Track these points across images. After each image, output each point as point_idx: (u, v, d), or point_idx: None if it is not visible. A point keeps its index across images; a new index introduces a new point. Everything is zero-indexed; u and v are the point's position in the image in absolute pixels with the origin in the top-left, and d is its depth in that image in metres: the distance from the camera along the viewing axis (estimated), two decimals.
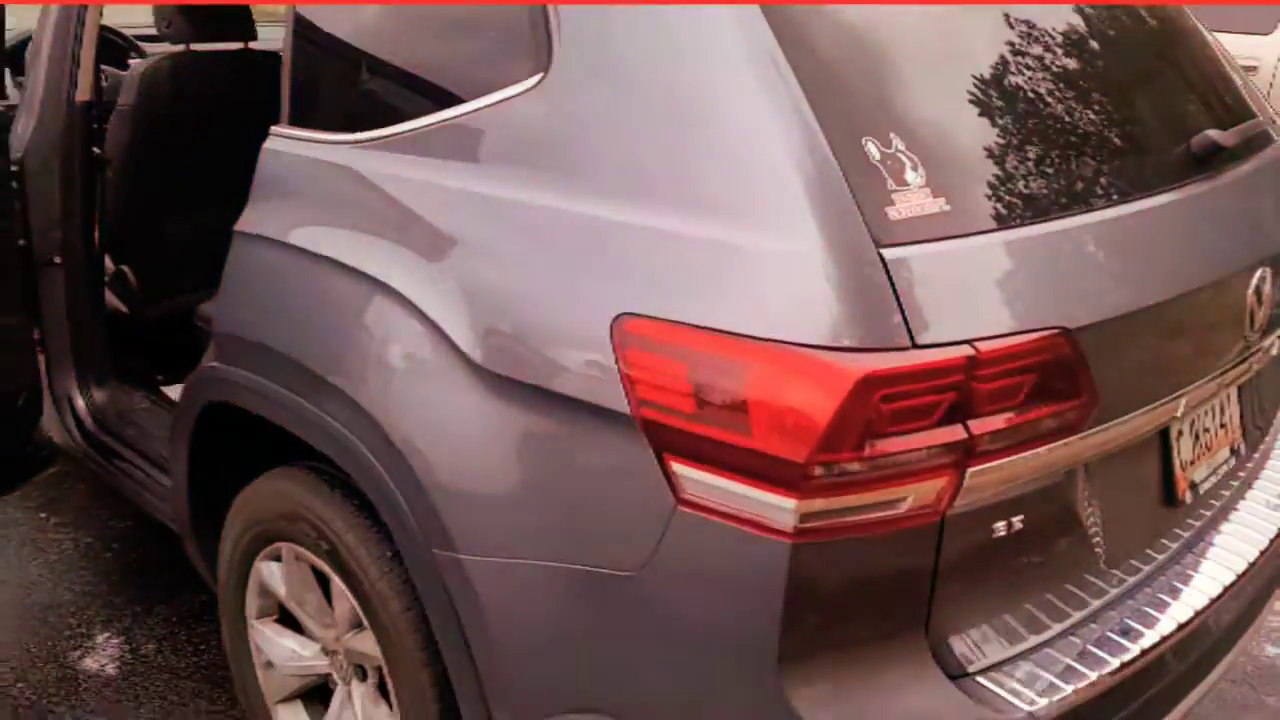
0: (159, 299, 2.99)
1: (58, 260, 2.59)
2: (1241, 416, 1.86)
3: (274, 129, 1.87)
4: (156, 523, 3.03)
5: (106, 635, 2.62)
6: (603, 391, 1.35)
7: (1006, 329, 1.29)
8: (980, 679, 1.40)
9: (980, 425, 1.28)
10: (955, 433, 1.27)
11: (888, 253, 1.25)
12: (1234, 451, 1.84)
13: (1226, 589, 1.65)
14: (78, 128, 2.53)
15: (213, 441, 2.07)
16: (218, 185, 2.92)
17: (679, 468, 1.32)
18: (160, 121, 2.75)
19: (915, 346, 1.23)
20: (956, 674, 1.39)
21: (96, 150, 2.63)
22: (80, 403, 2.70)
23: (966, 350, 1.25)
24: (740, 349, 1.27)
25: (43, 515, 3.15)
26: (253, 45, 2.93)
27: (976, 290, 1.31)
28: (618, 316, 1.35)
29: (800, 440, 1.22)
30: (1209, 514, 1.79)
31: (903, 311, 1.24)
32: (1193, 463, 1.71)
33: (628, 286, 1.36)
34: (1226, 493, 1.85)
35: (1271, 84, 5.52)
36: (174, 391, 2.88)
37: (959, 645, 1.40)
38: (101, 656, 2.55)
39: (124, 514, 3.14)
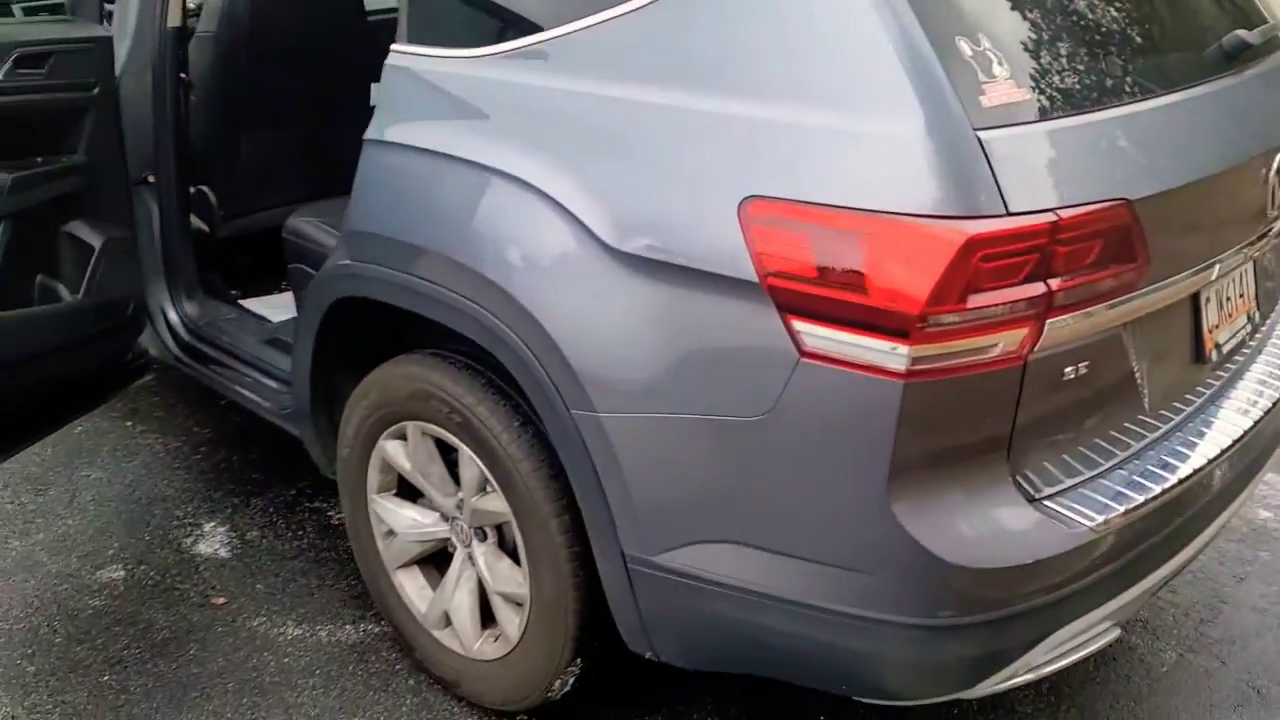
0: (233, 218, 3.18)
1: (150, 179, 2.77)
2: (1256, 289, 2.12)
3: (394, 47, 2.05)
4: (235, 428, 3.26)
5: (213, 524, 2.86)
6: (733, 265, 1.58)
7: (1080, 200, 1.53)
8: (1048, 502, 1.66)
9: (1058, 283, 1.52)
10: (1038, 289, 1.51)
11: (982, 134, 1.48)
12: (1250, 319, 2.10)
13: (1246, 433, 1.92)
14: (169, 52, 2.69)
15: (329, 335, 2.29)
16: (291, 110, 3.11)
17: (801, 325, 1.55)
18: (239, 48, 2.92)
19: (1009, 214, 1.47)
20: (1030, 497, 1.65)
21: (182, 75, 2.79)
22: (173, 315, 2.89)
23: (1050, 217, 1.49)
24: (858, 221, 1.50)
25: (129, 424, 3.36)
26: None
27: (1054, 166, 1.55)
28: (745, 199, 1.57)
29: (914, 295, 1.46)
30: (1228, 374, 2.06)
31: (998, 184, 1.47)
32: (1218, 326, 1.96)
33: (753, 172, 1.58)
34: (1241, 358, 2.11)
35: None
36: (251, 305, 3.10)
37: (1032, 474, 1.66)
38: (213, 541, 2.79)
39: (204, 421, 3.36)
